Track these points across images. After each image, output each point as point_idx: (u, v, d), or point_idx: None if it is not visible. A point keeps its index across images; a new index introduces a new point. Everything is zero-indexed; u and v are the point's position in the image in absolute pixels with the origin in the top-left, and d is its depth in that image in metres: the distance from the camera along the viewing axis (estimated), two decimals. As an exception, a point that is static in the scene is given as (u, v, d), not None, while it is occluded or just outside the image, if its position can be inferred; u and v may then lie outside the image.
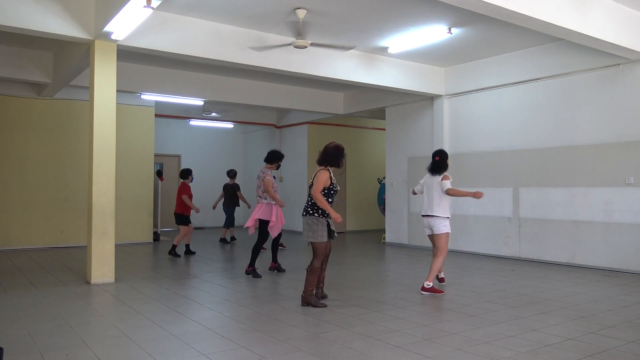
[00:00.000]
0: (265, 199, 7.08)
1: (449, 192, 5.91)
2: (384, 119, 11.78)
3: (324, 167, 5.33)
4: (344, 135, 14.46)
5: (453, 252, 9.66)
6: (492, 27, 7.40)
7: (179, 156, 15.38)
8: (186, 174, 9.44)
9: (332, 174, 5.34)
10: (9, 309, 5.08)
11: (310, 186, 5.29)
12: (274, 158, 7.33)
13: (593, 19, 6.26)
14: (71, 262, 8.29)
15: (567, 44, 7.82)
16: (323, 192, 5.22)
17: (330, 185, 5.26)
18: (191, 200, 9.28)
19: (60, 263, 8.17)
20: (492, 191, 9.13)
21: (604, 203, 7.58)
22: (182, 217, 9.26)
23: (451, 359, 3.61)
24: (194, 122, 14.64)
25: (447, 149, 9.99)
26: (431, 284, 5.87)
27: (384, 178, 11.81)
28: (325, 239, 5.24)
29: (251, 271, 7.07)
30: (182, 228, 9.29)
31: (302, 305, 5.24)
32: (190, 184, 9.47)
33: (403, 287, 6.34)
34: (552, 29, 6.04)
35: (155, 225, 12.01)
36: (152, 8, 5.29)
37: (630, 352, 3.77)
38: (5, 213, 9.84)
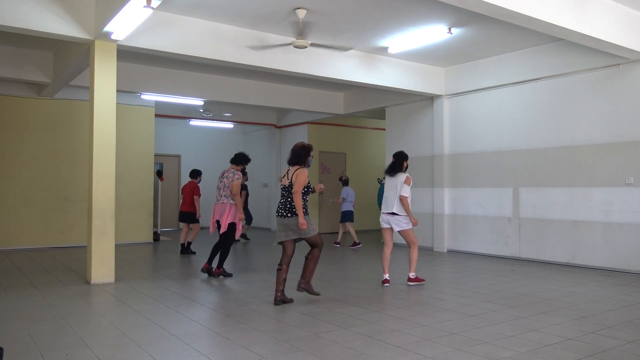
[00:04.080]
0: (231, 199, 6.92)
1: (403, 200, 6.30)
2: (384, 119, 11.79)
3: (300, 167, 5.34)
4: (344, 135, 14.47)
5: (453, 252, 9.67)
6: (492, 27, 7.41)
7: (179, 156, 15.39)
8: (196, 174, 9.88)
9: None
10: (9, 309, 5.08)
11: (289, 186, 5.26)
12: (239, 160, 7.17)
13: (593, 19, 6.26)
14: (71, 262, 8.29)
15: (567, 44, 7.82)
16: (302, 191, 5.25)
17: (307, 184, 5.33)
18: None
19: (60, 263, 8.17)
20: (492, 191, 9.14)
21: (604, 203, 7.58)
22: (191, 215, 9.62)
23: (451, 359, 3.61)
24: (194, 122, 14.64)
25: (447, 149, 10.01)
26: (414, 274, 6.46)
27: (384, 178, 11.80)
28: (316, 230, 5.33)
29: (222, 272, 6.99)
30: (195, 225, 9.65)
31: (297, 290, 5.44)
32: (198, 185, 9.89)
33: (403, 287, 6.34)
34: (552, 29, 6.04)
35: (155, 225, 12.01)
36: (152, 8, 5.29)
37: (630, 352, 3.77)
38: (5, 213, 9.84)
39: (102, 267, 6.49)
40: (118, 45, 6.64)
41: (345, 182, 11.05)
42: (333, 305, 5.27)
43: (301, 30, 7.03)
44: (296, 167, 5.34)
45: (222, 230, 6.84)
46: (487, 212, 9.21)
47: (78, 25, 6.25)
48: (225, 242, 6.95)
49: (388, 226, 6.45)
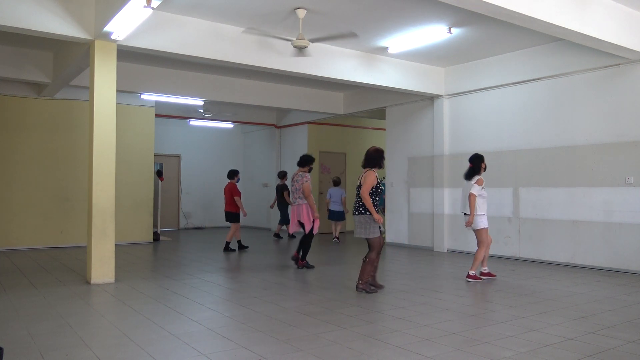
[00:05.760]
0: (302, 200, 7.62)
1: (470, 198, 6.69)
2: (384, 119, 11.79)
3: (370, 169, 5.97)
4: (344, 135, 14.47)
5: (453, 252, 9.66)
6: (492, 27, 7.40)
7: (179, 156, 15.39)
8: (232, 174, 10.14)
9: (377, 175, 5.94)
10: (9, 309, 5.08)
11: (359, 187, 5.88)
12: (304, 162, 7.84)
13: (593, 19, 6.26)
14: (71, 262, 8.29)
15: (567, 44, 7.82)
16: (370, 192, 5.78)
17: (377, 184, 5.85)
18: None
19: (60, 263, 8.17)
20: (492, 191, 9.12)
21: (604, 203, 7.58)
22: (233, 215, 9.92)
23: (451, 359, 3.61)
24: (194, 122, 14.65)
25: (447, 149, 10.01)
26: (474, 272, 6.65)
27: (384, 178, 11.81)
28: (378, 233, 5.90)
29: (305, 264, 7.68)
30: (234, 225, 9.95)
31: (357, 290, 5.90)
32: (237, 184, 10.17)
33: (403, 287, 6.34)
34: (552, 29, 6.04)
35: (155, 225, 12.01)
36: (152, 8, 5.29)
37: (630, 352, 3.77)
38: (5, 213, 9.84)
39: (102, 267, 6.49)
40: (118, 45, 6.64)
41: (334, 183, 11.83)
42: (333, 305, 5.27)
43: (301, 31, 7.02)
44: (367, 169, 5.96)
45: (307, 228, 7.52)
46: (487, 212, 9.16)
47: (78, 25, 6.25)
48: (306, 238, 7.65)
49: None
